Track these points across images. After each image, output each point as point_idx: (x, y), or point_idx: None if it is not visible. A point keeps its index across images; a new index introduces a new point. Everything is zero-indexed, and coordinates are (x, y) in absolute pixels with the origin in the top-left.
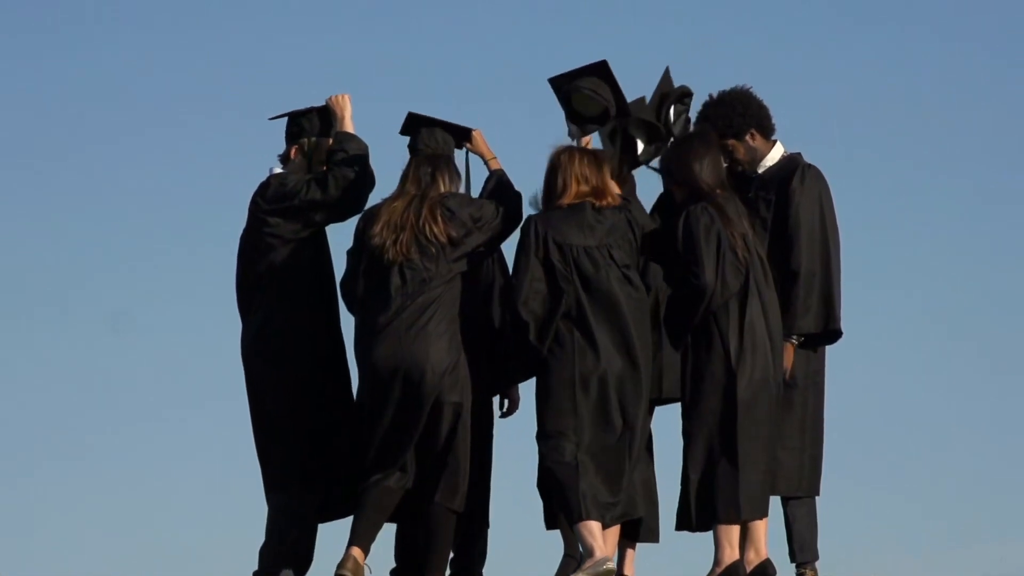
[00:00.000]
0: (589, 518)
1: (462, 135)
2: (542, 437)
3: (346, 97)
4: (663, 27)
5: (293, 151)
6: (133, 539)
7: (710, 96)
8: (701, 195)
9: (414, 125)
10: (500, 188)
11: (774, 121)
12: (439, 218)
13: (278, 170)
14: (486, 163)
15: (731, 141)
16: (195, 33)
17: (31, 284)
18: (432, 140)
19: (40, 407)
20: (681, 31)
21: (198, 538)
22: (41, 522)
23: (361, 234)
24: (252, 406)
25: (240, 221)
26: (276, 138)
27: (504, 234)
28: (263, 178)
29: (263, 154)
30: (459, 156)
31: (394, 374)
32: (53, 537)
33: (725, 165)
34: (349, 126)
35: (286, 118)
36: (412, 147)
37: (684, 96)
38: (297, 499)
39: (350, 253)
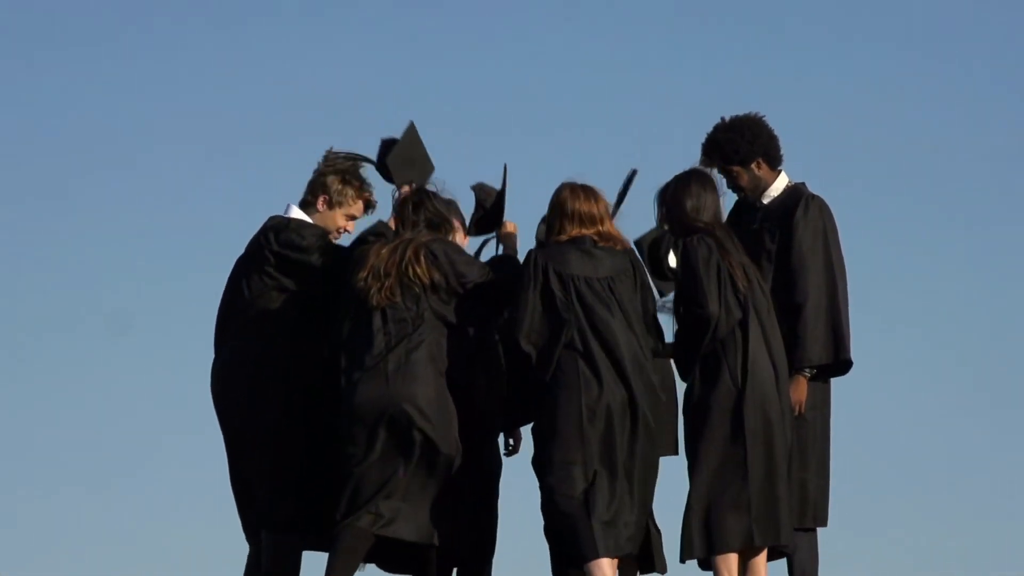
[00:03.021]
0: (601, 556)
1: (498, 218)
2: (549, 468)
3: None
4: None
5: (320, 201)
6: (133, 552)
7: (722, 119)
8: (696, 232)
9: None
10: (504, 260)
11: (782, 152)
12: (422, 260)
13: (297, 211)
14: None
15: (736, 168)
16: (202, 37)
17: (31, 285)
18: (483, 195)
19: (39, 409)
20: (688, 43)
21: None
22: (37, 525)
23: (349, 276)
24: (229, 442)
25: (245, 223)
26: (276, 143)
27: (490, 301)
28: (264, 187)
29: (266, 154)
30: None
31: (379, 417)
32: (51, 540)
33: (736, 196)
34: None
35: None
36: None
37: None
38: (286, 535)
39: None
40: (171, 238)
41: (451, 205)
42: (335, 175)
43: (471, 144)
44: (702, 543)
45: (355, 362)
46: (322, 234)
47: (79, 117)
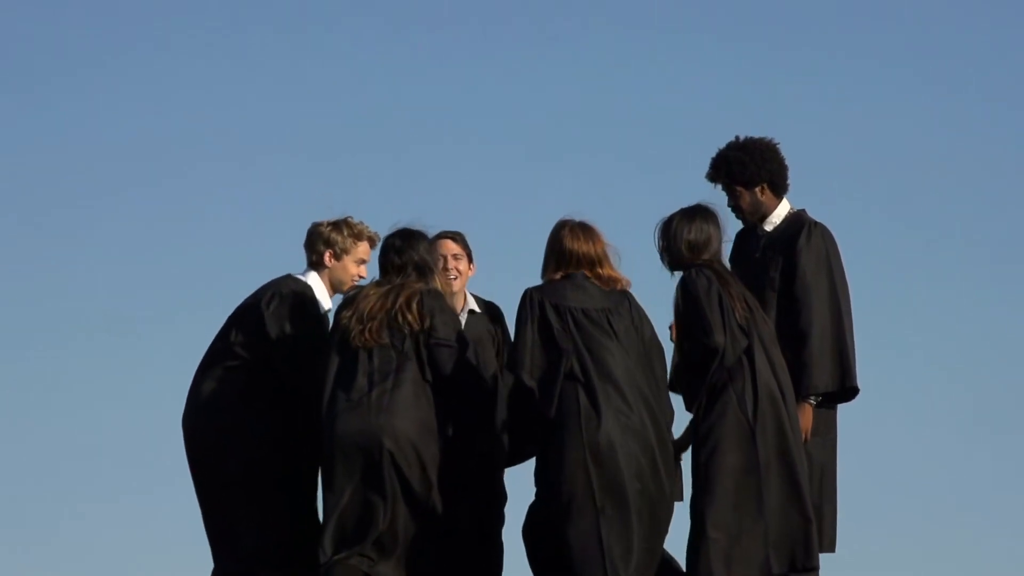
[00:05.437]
0: None
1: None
2: (555, 505)
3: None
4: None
5: (327, 256)
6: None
7: (736, 138)
8: (694, 266)
9: None
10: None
11: (789, 182)
12: (414, 307)
13: (314, 278)
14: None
15: (740, 188)
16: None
17: (31, 285)
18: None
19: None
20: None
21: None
22: (35, 528)
23: (336, 315)
24: (206, 485)
25: (253, 228)
26: (280, 139)
27: (444, 366)
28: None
29: (269, 155)
30: None
31: (361, 449)
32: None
33: (736, 223)
34: None
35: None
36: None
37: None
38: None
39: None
40: (172, 244)
41: (459, 237)
42: (328, 227)
43: (470, 152)
44: (722, 572)
45: (339, 397)
46: (312, 331)
47: (85, 125)
